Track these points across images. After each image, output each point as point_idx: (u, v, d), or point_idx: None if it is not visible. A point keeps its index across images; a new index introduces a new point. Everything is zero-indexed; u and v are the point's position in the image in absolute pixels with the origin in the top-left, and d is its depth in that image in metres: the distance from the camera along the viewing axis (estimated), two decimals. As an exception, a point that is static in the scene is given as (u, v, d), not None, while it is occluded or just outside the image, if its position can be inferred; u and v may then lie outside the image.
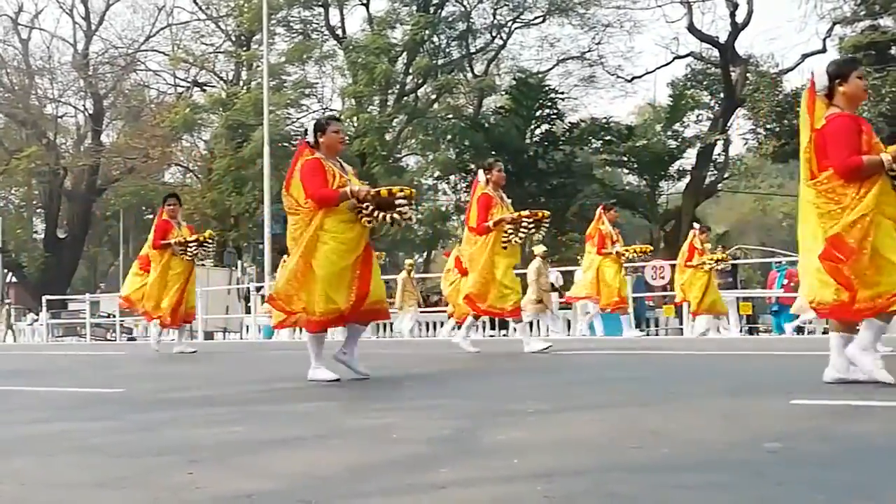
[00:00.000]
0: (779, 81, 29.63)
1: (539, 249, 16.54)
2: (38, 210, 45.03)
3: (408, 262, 20.59)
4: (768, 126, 28.63)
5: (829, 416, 4.41)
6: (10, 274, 43.64)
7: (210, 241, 11.34)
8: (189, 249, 11.06)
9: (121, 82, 40.51)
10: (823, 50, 31.32)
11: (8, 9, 41.09)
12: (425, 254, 45.08)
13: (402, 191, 6.43)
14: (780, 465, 3.28)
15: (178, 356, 11.49)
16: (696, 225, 15.23)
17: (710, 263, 14.30)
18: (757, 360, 8.36)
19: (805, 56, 32.22)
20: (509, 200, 9.52)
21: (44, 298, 26.51)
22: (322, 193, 6.40)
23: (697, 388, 5.80)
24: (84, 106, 41.50)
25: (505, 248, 9.15)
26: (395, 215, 6.38)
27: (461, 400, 5.66)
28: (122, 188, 41.80)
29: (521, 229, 9.11)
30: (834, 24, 30.21)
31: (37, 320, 29.86)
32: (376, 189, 6.47)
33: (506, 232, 9.13)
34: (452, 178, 34.84)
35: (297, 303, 6.48)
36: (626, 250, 13.60)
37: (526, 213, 9.28)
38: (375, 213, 6.33)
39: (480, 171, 9.58)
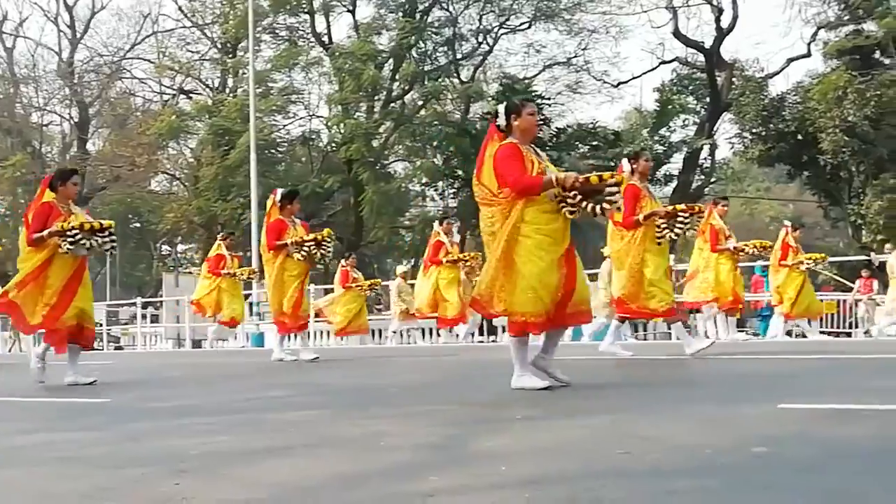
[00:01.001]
0: (764, 86, 29.73)
1: None
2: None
3: (401, 268, 19.91)
4: (754, 130, 28.73)
5: (817, 420, 4.41)
6: (-4, 283, 43.43)
7: (329, 239, 10.44)
8: (307, 249, 10.26)
9: (106, 90, 40.39)
10: (808, 54, 31.50)
11: (-8, 17, 40.94)
12: (413, 261, 45.03)
13: (612, 177, 5.89)
14: (768, 469, 3.29)
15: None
16: (787, 223, 14.71)
17: (808, 263, 13.75)
18: (745, 365, 8.38)
19: (790, 60, 32.39)
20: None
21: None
22: (524, 181, 5.82)
23: (685, 393, 5.81)
24: (69, 114, 41.38)
25: (659, 244, 8.57)
26: (605, 204, 5.86)
27: (449, 407, 5.65)
28: (108, 196, 41.68)
29: (678, 224, 8.49)
30: (818, 28, 30.37)
31: (23, 330, 29.68)
32: (585, 175, 5.90)
33: (658, 227, 8.51)
34: (440, 184, 34.82)
35: (499, 304, 5.92)
36: (746, 245, 12.88)
37: (682, 206, 8.69)
38: (582, 203, 5.78)
39: (625, 161, 8.86)
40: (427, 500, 3.02)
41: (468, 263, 14.49)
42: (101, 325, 24.89)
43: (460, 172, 32.62)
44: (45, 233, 7.73)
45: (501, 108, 6.17)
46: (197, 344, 22.61)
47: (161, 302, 26.71)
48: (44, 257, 7.83)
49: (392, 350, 14.79)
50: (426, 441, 4.23)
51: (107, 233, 7.87)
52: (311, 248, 10.26)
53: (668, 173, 33.76)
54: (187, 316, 21.69)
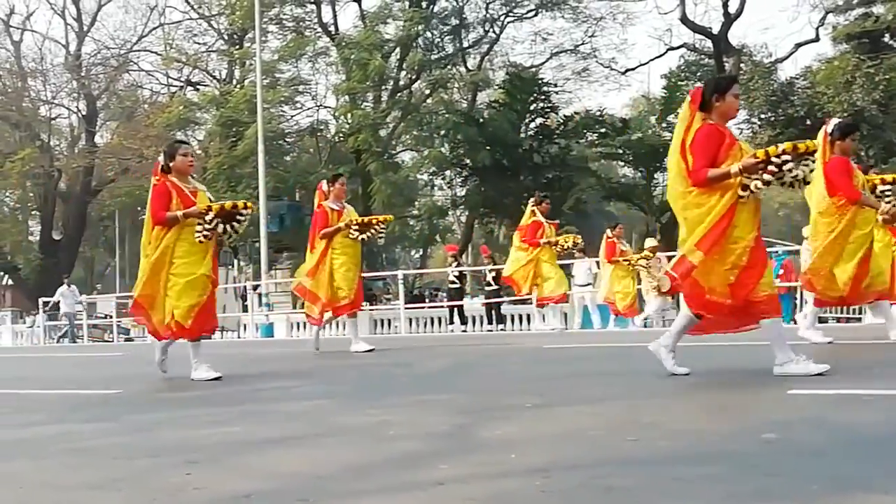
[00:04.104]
0: (773, 71, 29.65)
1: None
2: (34, 212, 45.00)
3: (651, 242, 17.27)
4: (763, 115, 28.65)
5: (826, 405, 4.41)
6: (6, 276, 43.59)
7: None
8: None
9: (114, 83, 40.47)
10: (816, 39, 31.36)
11: (-1, 11, 41.05)
12: (422, 250, 45.07)
13: None
14: (777, 455, 3.29)
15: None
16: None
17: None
18: (754, 351, 8.35)
19: (798, 45, 32.28)
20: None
21: (40, 300, 26.50)
22: None
23: (694, 380, 5.80)
24: (77, 107, 41.46)
25: None
26: None
27: (458, 395, 5.65)
28: (117, 189, 41.77)
29: None
30: (827, 12, 30.25)
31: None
32: None
33: None
34: (448, 173, 34.84)
35: None
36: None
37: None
38: None
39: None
40: (437, 489, 3.02)
41: None
42: (111, 316, 24.98)
43: (468, 161, 32.59)
44: (735, 167, 5.40)
45: None
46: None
47: (171, 293, 26.71)
48: (727, 202, 5.46)
49: (398, 339, 14.75)
50: (435, 430, 4.23)
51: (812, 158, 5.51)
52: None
53: (677, 160, 33.67)
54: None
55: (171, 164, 7.16)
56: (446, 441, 3.97)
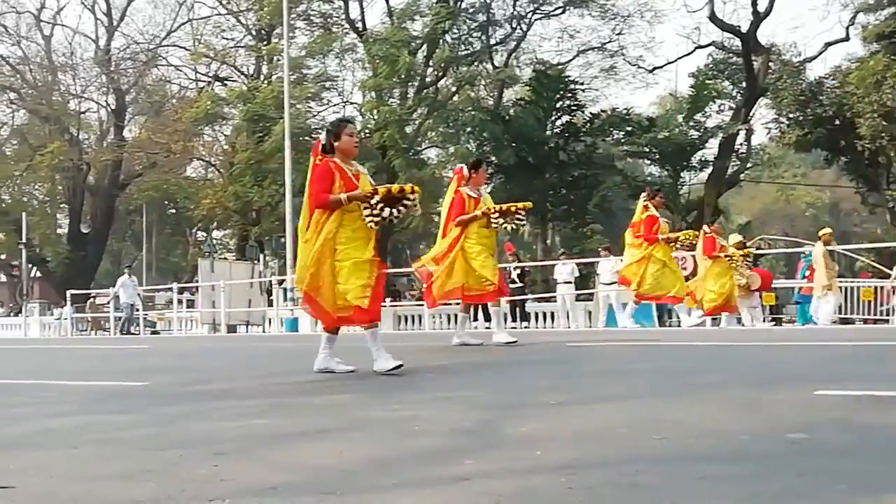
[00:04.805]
0: (801, 70, 29.41)
1: None
2: (62, 205, 45.39)
3: (825, 231, 16.27)
4: (791, 115, 28.44)
5: (854, 406, 4.38)
6: (35, 269, 44.00)
7: None
8: None
9: (142, 78, 40.75)
10: (847, 38, 31.12)
11: (30, 6, 41.63)
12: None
13: None
14: (803, 455, 3.27)
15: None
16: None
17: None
18: (781, 351, 8.31)
19: (828, 45, 32.03)
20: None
21: (68, 293, 26.73)
22: None
23: (720, 379, 5.77)
24: (106, 101, 41.81)
25: None
26: None
27: (483, 392, 5.66)
28: (144, 183, 42.10)
29: None
30: (857, 12, 30.01)
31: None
32: None
33: None
34: (473, 170, 34.79)
35: None
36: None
37: None
38: None
39: None
40: (462, 484, 3.03)
41: None
42: (138, 309, 25.19)
43: (493, 158, 32.56)
44: None
45: None
46: (232, 329, 22.79)
47: (197, 287, 26.96)
48: None
49: (423, 336, 14.77)
50: (460, 426, 4.24)
51: None
52: None
53: (703, 159, 33.54)
54: (222, 301, 21.88)
55: (335, 144, 6.68)
56: (471, 437, 3.98)
